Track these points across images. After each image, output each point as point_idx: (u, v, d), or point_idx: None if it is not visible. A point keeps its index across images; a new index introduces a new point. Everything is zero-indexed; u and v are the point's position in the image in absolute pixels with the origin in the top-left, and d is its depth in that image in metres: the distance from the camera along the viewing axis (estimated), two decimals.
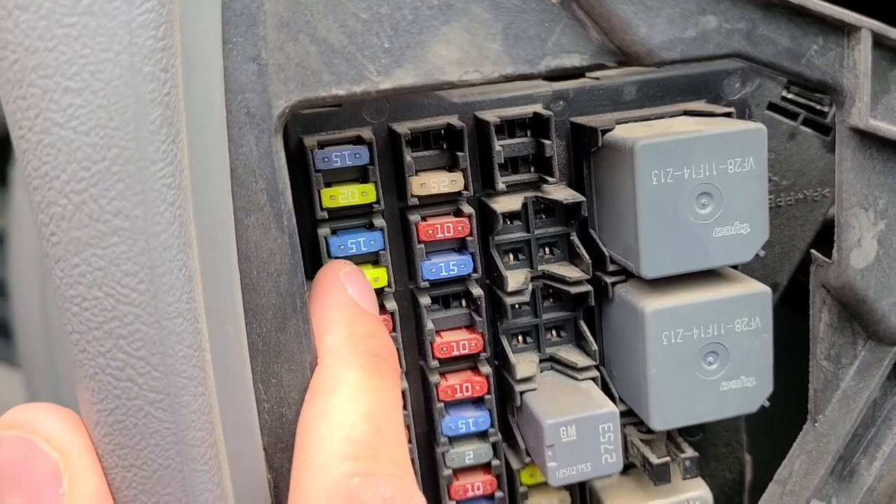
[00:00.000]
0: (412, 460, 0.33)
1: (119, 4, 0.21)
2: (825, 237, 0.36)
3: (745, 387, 0.32)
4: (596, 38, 0.25)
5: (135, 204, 0.22)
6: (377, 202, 0.31)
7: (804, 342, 0.31)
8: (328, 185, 0.31)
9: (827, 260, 0.28)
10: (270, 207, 0.25)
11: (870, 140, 0.26)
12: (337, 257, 0.31)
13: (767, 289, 0.31)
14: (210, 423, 0.24)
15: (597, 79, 0.33)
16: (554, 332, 0.35)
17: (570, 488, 0.36)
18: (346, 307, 0.28)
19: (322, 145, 0.31)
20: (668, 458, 0.33)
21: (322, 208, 0.31)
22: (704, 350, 0.31)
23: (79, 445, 0.24)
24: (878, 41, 0.25)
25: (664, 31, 0.25)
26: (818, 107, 0.35)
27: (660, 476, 0.33)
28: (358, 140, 0.31)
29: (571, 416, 0.31)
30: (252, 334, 0.26)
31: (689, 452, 0.34)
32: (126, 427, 0.23)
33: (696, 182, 0.30)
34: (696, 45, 0.25)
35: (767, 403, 0.32)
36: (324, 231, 0.31)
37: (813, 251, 0.29)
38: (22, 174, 0.22)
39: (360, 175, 0.32)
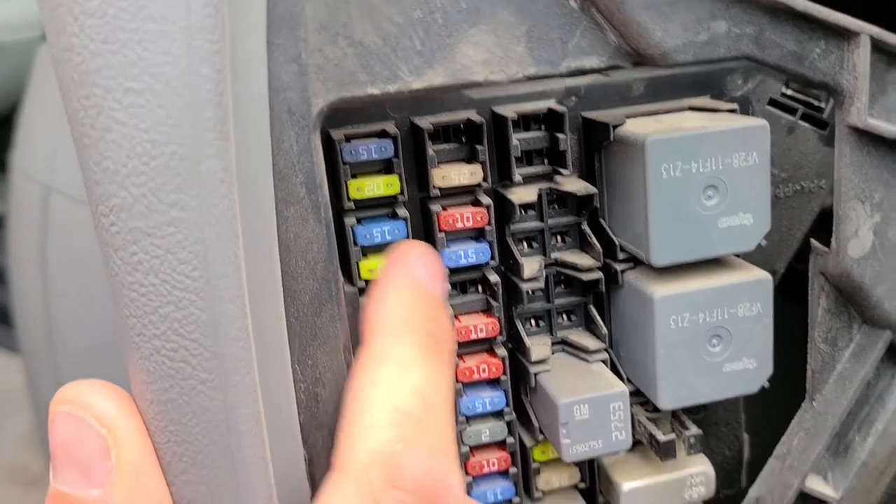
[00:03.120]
0: None
1: (179, 11, 0.22)
2: (821, 226, 0.38)
3: (746, 368, 0.33)
4: (613, 41, 0.27)
5: (191, 196, 0.23)
6: (401, 193, 0.33)
7: (798, 328, 0.33)
8: (354, 176, 0.33)
9: (826, 249, 0.30)
10: (309, 200, 0.27)
11: (867, 138, 0.28)
12: (362, 246, 0.33)
13: (769, 276, 0.33)
14: (256, 401, 0.25)
15: (607, 75, 0.35)
16: (565, 316, 0.37)
17: (580, 464, 0.38)
18: (412, 284, 0.28)
19: (349, 138, 0.32)
20: (673, 436, 0.35)
21: (349, 199, 0.32)
22: (709, 333, 0.33)
23: (126, 423, 0.25)
24: (877, 45, 0.27)
25: (678, 36, 0.26)
26: (816, 103, 0.37)
27: (666, 452, 0.35)
28: (383, 134, 0.33)
29: (584, 396, 0.33)
30: (290, 318, 0.27)
31: (694, 430, 0.35)
32: (179, 405, 0.25)
33: (704, 175, 0.31)
34: (707, 48, 0.27)
35: (767, 384, 0.34)
36: (350, 221, 0.33)
37: (812, 241, 0.31)
38: (82, 169, 0.23)
39: (383, 166, 0.33)
